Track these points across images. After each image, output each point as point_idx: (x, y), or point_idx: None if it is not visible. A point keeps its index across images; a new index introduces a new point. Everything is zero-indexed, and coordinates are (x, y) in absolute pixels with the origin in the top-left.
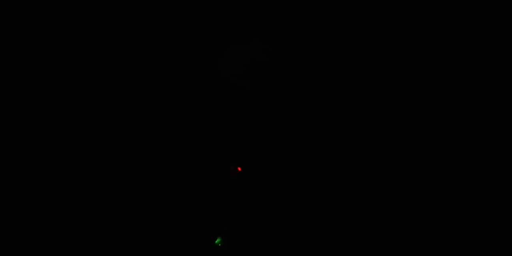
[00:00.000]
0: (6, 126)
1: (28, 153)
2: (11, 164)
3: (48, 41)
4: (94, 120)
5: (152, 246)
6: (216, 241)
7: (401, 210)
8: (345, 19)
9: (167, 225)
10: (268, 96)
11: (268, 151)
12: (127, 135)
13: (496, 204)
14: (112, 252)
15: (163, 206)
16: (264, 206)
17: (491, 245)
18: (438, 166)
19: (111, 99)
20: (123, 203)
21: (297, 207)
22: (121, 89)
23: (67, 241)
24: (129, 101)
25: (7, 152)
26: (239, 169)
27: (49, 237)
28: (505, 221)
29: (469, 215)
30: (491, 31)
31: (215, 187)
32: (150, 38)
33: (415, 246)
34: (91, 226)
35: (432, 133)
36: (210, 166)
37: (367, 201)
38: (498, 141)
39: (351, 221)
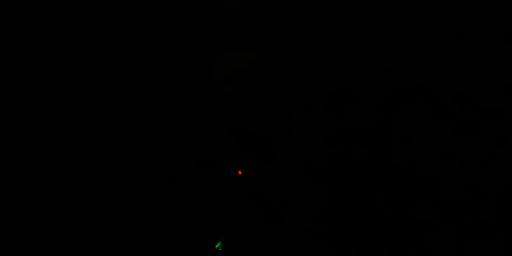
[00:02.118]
0: (6, 126)
1: (28, 153)
2: (11, 164)
3: (48, 41)
4: (93, 123)
5: (151, 249)
6: (216, 246)
7: (401, 210)
8: (345, 20)
9: (167, 227)
10: (267, 98)
11: (268, 152)
12: (125, 138)
13: (496, 205)
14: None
15: (163, 209)
16: (264, 208)
17: (491, 245)
18: (437, 166)
19: (111, 103)
20: (123, 206)
21: (296, 208)
22: (119, 93)
23: (67, 241)
24: (129, 103)
25: (7, 152)
26: (240, 172)
27: (49, 237)
28: (504, 221)
29: (468, 215)
30: (489, 32)
31: (215, 190)
32: (148, 42)
33: (415, 246)
34: (91, 228)
35: (432, 134)
36: (209, 169)
37: (367, 202)
38: (498, 141)
39: (351, 221)
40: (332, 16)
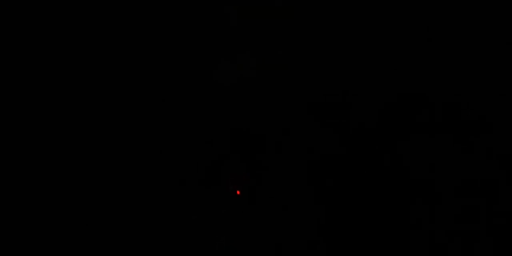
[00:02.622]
0: (6, 126)
1: (28, 153)
2: (11, 164)
3: (48, 41)
4: (93, 123)
5: (152, 249)
6: None
7: (400, 211)
8: (345, 19)
9: (167, 227)
10: (267, 98)
11: (267, 153)
12: (125, 138)
13: (494, 206)
14: None
15: (163, 209)
16: (263, 208)
17: (490, 246)
18: (436, 168)
19: (110, 102)
20: (122, 206)
21: (296, 208)
22: (119, 93)
23: (67, 241)
24: (129, 103)
25: (7, 152)
26: (238, 192)
27: (49, 237)
28: (503, 223)
29: (466, 217)
30: (489, 32)
31: (215, 190)
32: (148, 42)
33: (413, 247)
34: (91, 228)
35: (431, 135)
36: (209, 169)
37: (367, 203)
38: (498, 144)
39: (350, 222)
40: (333, 15)
